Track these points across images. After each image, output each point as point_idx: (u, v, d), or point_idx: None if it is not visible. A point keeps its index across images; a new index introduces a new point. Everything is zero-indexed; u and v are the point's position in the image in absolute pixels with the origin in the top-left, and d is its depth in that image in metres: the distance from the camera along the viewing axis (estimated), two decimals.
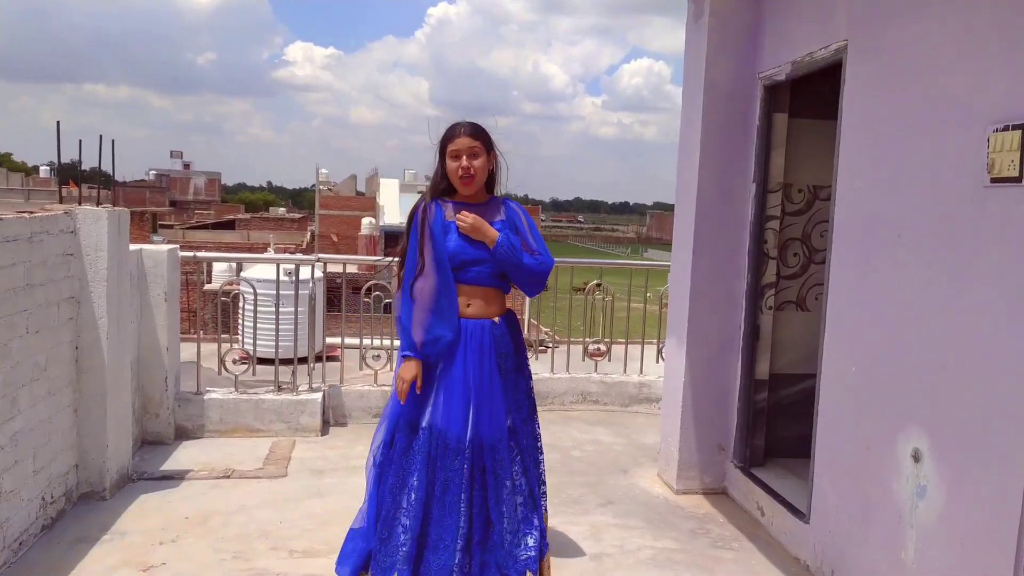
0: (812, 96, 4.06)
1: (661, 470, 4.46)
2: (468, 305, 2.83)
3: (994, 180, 2.37)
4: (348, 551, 2.94)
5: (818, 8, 3.46)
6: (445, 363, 2.80)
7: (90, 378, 3.71)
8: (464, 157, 2.81)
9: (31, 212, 3.40)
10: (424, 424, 2.78)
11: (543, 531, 2.87)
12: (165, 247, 4.53)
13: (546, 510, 3.01)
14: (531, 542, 2.80)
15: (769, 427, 4.23)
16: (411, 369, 2.79)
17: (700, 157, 4.10)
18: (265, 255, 8.32)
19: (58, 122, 3.77)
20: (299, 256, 5.58)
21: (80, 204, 3.85)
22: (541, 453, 3.01)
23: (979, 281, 2.42)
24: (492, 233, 2.81)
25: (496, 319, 2.88)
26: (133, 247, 4.35)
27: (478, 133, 2.86)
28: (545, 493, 2.99)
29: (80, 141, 4.04)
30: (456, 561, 2.67)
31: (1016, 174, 2.29)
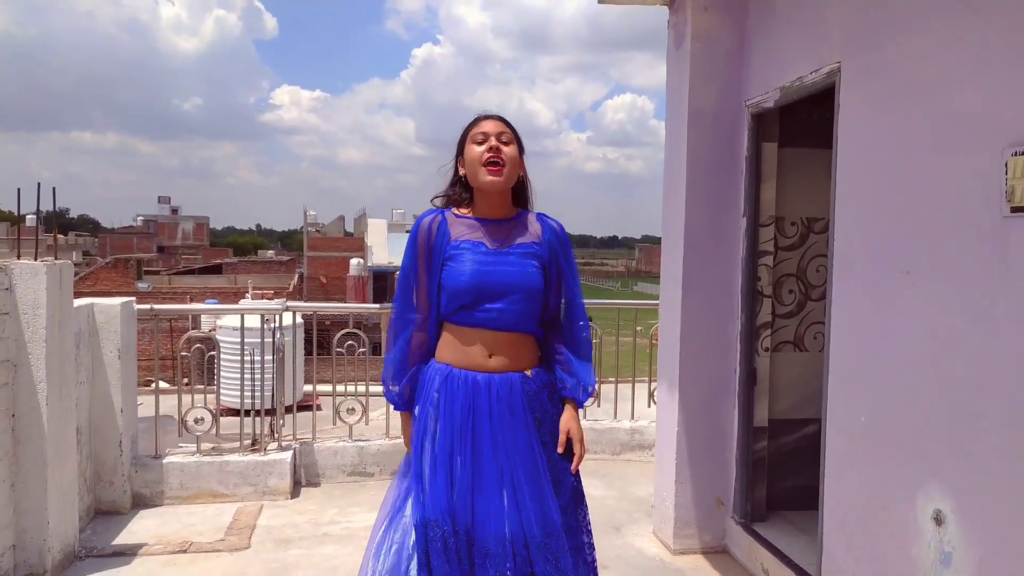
0: (803, 123, 3.83)
1: (656, 527, 4.13)
2: (490, 356, 2.20)
3: (1015, 209, 2.11)
4: None
5: (808, 29, 3.23)
6: (468, 438, 2.15)
7: (28, 449, 3.38)
8: (492, 138, 2.19)
9: None
10: (447, 523, 2.11)
11: None
12: (118, 300, 4.22)
13: None
14: None
15: (771, 477, 3.93)
16: (406, 424, 2.32)
17: (686, 191, 3.84)
18: (230, 305, 8.02)
19: None
20: (265, 304, 5.28)
21: (19, 258, 3.55)
22: (593, 550, 2.33)
23: (1004, 321, 2.15)
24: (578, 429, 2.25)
25: (529, 372, 2.25)
26: (83, 302, 4.06)
27: (509, 122, 2.26)
28: None
29: (19, 190, 3.77)
30: None
31: None
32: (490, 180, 2.18)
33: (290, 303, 4.98)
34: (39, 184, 3.75)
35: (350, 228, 54.52)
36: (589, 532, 2.34)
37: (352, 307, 8.81)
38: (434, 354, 2.29)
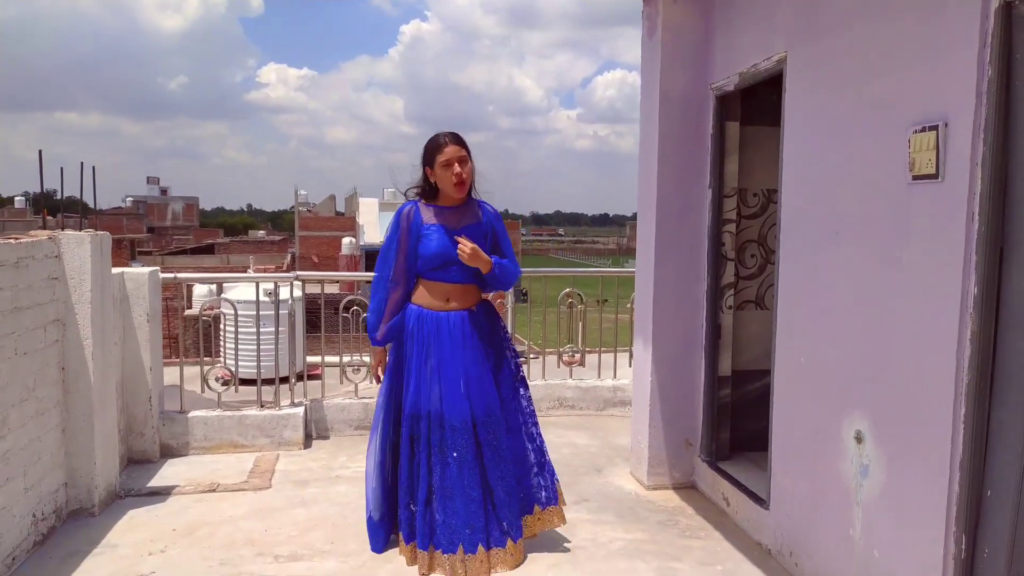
0: (762, 104, 4.26)
1: (633, 468, 4.63)
2: (448, 300, 3.26)
3: (916, 177, 2.57)
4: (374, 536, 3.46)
5: (760, 23, 3.68)
6: (434, 354, 3.23)
7: (77, 398, 3.84)
8: (456, 164, 3.19)
9: (17, 238, 3.53)
10: (424, 412, 3.20)
11: (550, 476, 3.50)
12: (146, 269, 4.65)
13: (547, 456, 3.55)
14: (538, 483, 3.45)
15: (734, 422, 4.41)
16: (376, 356, 3.49)
17: (658, 166, 4.29)
18: (246, 274, 8.44)
19: (40, 151, 3.92)
20: (277, 274, 5.72)
21: (63, 229, 3.97)
22: (534, 416, 3.50)
23: (908, 271, 2.62)
24: (486, 258, 3.22)
25: (474, 307, 3.32)
26: (115, 270, 4.48)
27: (460, 140, 3.25)
28: (544, 449, 3.53)
29: (62, 169, 4.20)
30: (479, 523, 3.18)
31: (933, 171, 2.49)
32: (458, 193, 3.25)
33: (300, 273, 5.42)
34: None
35: (341, 208, 54.61)
36: (529, 418, 3.46)
37: (357, 275, 9.24)
38: (411, 299, 3.34)
